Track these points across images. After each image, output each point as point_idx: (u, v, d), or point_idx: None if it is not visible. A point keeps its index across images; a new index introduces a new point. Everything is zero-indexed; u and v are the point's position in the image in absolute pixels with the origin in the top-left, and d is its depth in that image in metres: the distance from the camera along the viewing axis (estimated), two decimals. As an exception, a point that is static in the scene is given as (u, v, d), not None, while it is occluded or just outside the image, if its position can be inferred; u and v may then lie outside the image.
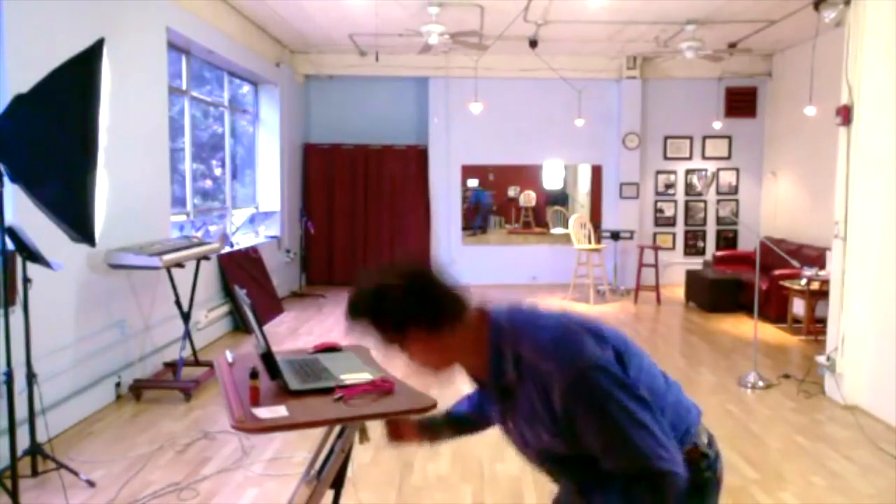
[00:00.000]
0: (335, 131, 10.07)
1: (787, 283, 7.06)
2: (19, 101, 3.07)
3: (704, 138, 10.05)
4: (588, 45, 8.96)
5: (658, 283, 8.99)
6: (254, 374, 1.98)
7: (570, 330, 1.39)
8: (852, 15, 4.84)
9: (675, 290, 9.43)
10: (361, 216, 10.07)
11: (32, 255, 3.31)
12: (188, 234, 6.42)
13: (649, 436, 1.33)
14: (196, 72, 7.14)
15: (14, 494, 3.09)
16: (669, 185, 10.15)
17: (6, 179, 3.02)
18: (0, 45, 3.69)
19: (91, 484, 3.50)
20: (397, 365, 1.85)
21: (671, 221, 10.21)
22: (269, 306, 7.76)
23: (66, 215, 3.15)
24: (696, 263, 9.69)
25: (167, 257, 4.72)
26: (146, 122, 5.36)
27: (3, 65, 3.70)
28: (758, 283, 5.69)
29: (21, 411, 3.34)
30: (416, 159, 10.04)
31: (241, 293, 2.29)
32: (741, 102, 9.96)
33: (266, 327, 7.06)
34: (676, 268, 9.91)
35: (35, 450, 3.57)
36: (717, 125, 9.80)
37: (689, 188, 10.14)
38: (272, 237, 8.79)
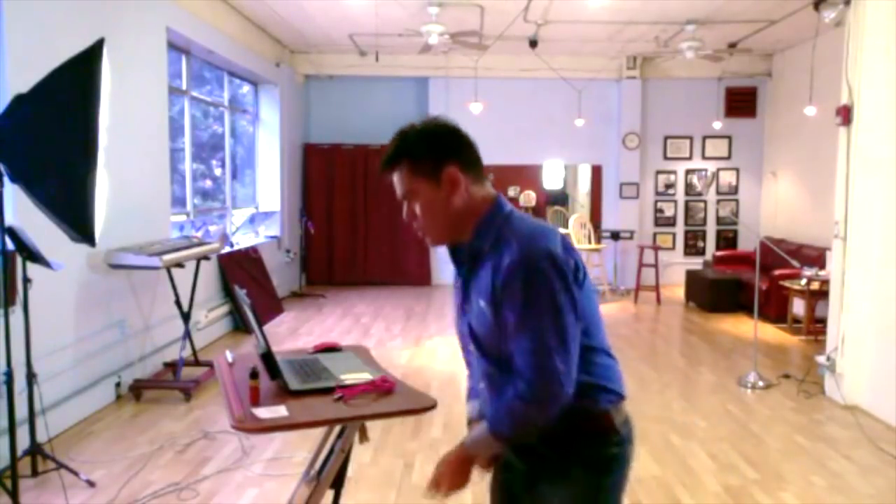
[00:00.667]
0: (335, 131, 10.07)
1: (787, 283, 7.06)
2: (19, 101, 3.07)
3: (704, 138, 10.05)
4: (588, 45, 8.96)
5: (658, 283, 8.99)
6: (254, 374, 1.98)
7: (549, 229, 1.50)
8: (852, 15, 4.84)
9: (675, 290, 9.43)
10: (361, 216, 10.08)
11: (32, 255, 3.31)
12: (188, 234, 6.42)
13: (560, 342, 1.40)
14: (196, 72, 7.14)
15: (14, 494, 3.09)
16: (669, 185, 10.15)
17: (6, 179, 3.02)
18: (0, 45, 3.70)
19: (91, 484, 3.50)
20: (397, 365, 1.85)
21: (671, 221, 10.22)
22: (269, 306, 7.76)
23: (66, 215, 3.15)
24: (696, 263, 9.69)
25: (167, 257, 4.72)
26: (146, 122, 5.36)
27: (3, 65, 3.71)
28: (758, 283, 5.69)
29: (21, 411, 3.34)
30: (416, 159, 10.02)
31: (241, 293, 2.29)
32: (741, 102, 9.97)
33: (266, 327, 7.06)
34: (676, 268, 9.91)
35: (35, 450, 3.56)
36: (717, 125, 9.80)
37: (689, 188, 10.14)
38: (272, 237, 8.80)
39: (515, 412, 1.45)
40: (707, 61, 8.08)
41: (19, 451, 3.26)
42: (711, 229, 10.26)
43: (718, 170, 10.02)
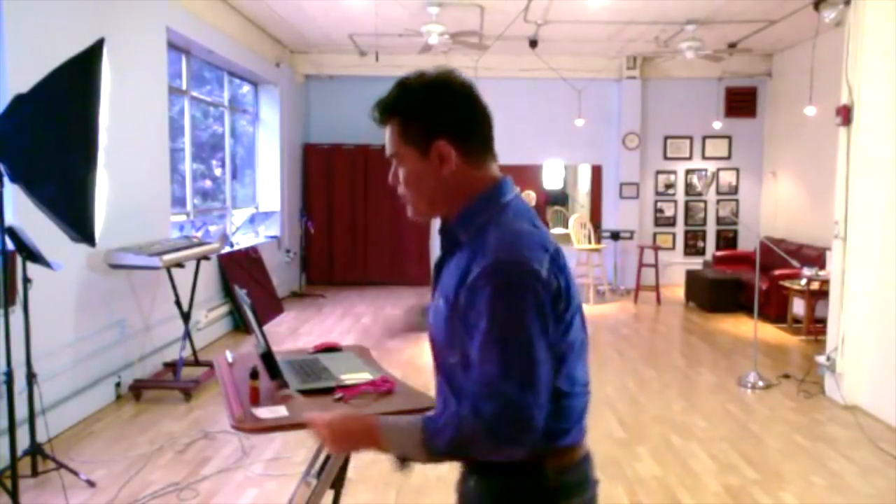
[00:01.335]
0: (335, 131, 10.07)
1: (787, 283, 7.06)
2: (19, 101, 3.07)
3: (704, 138, 10.05)
4: (588, 45, 8.96)
5: (658, 283, 8.99)
6: (254, 375, 1.98)
7: (540, 239, 1.26)
8: (852, 15, 4.84)
9: (675, 290, 9.43)
10: (361, 216, 10.07)
11: (32, 255, 3.31)
12: (188, 234, 6.42)
13: (527, 365, 1.17)
14: (196, 72, 7.14)
15: (14, 494, 3.09)
16: (669, 185, 10.15)
17: (6, 179, 3.02)
18: (0, 45, 3.70)
19: (91, 484, 3.50)
20: (397, 365, 1.84)
21: (671, 221, 10.21)
22: (269, 306, 7.76)
23: (66, 215, 3.15)
24: (696, 263, 9.68)
25: (167, 257, 4.72)
26: (146, 122, 5.36)
27: (3, 65, 3.71)
28: (758, 283, 5.69)
29: (21, 411, 3.34)
30: (416, 159, 10.02)
31: (241, 293, 2.29)
32: (741, 102, 9.96)
33: (266, 327, 7.05)
34: (676, 268, 9.91)
35: (35, 450, 3.56)
36: (717, 125, 9.80)
37: (689, 188, 10.14)
38: (272, 237, 8.79)
39: (464, 431, 1.20)
40: (707, 61, 8.08)
41: (19, 451, 3.26)
42: (711, 229, 10.26)
43: (718, 170, 10.02)
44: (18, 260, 3.36)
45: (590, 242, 9.18)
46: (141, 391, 4.89)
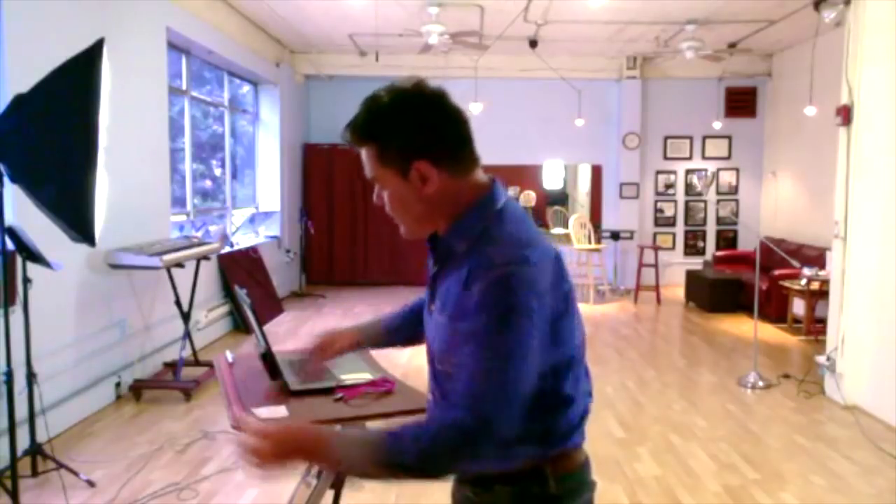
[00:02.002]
0: (335, 131, 9.74)
1: (787, 283, 7.06)
2: (19, 101, 3.07)
3: (704, 138, 10.05)
4: (588, 45, 8.96)
5: (658, 283, 8.99)
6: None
7: (541, 248, 1.22)
8: (852, 15, 4.84)
9: (675, 290, 9.42)
10: (361, 216, 10.07)
11: (32, 255, 3.31)
12: (188, 234, 6.42)
13: (507, 381, 1.14)
14: (196, 72, 7.14)
15: (14, 494, 3.09)
16: (669, 185, 10.15)
17: (6, 179, 3.02)
18: (0, 45, 3.70)
19: (91, 484, 3.50)
20: (397, 365, 1.84)
21: (671, 221, 10.21)
22: (269, 306, 7.75)
23: (66, 215, 3.15)
24: (696, 263, 9.68)
25: (167, 257, 4.72)
26: (146, 123, 5.36)
27: (3, 65, 3.71)
28: (758, 283, 5.69)
29: (21, 411, 3.34)
30: (416, 159, 10.02)
31: (241, 293, 2.29)
32: (741, 102, 9.96)
33: (266, 327, 7.05)
34: (676, 268, 9.91)
35: (35, 450, 3.56)
36: (717, 125, 9.80)
37: (689, 188, 10.13)
38: (272, 237, 8.79)
39: (439, 441, 1.15)
40: (707, 61, 8.08)
41: (19, 451, 3.25)
42: (711, 229, 10.25)
43: (718, 170, 10.02)
44: (18, 260, 3.36)
45: (590, 242, 9.18)
46: (141, 391, 4.89)
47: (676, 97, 9.94)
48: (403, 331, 1.74)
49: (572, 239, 9.02)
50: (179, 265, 4.94)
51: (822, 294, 6.22)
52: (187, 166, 6.76)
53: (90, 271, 4.52)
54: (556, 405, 1.26)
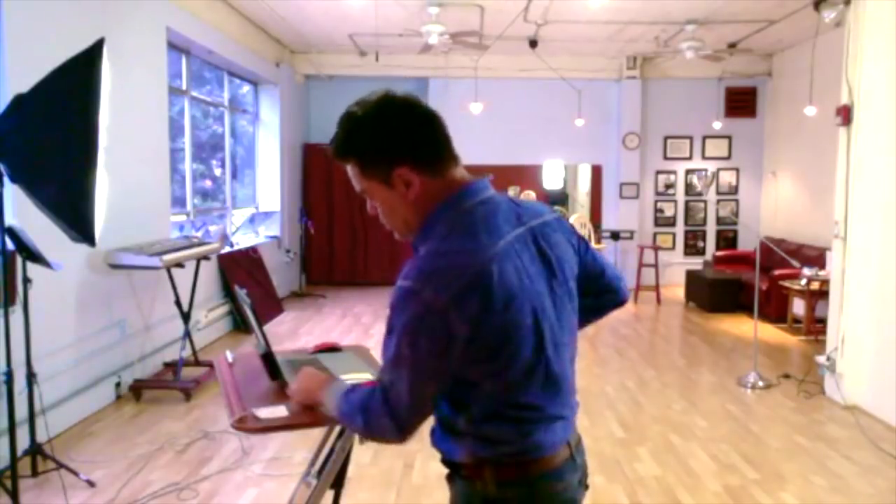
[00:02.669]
0: (335, 131, 10.05)
1: (787, 283, 7.06)
2: (19, 101, 3.07)
3: (704, 138, 10.05)
4: (588, 45, 8.96)
5: (658, 284, 9.00)
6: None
7: (473, 263, 1.21)
8: (852, 15, 4.84)
9: (675, 290, 9.43)
10: (361, 216, 10.07)
11: (32, 255, 3.31)
12: (188, 234, 6.42)
13: (400, 391, 1.26)
14: (196, 72, 7.14)
15: (14, 494, 3.08)
16: (669, 185, 10.15)
17: (6, 179, 3.02)
18: (0, 45, 3.70)
19: (91, 484, 3.50)
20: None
21: (671, 221, 10.22)
22: (269, 306, 7.75)
23: (66, 215, 3.15)
24: (696, 263, 9.68)
25: (167, 257, 4.72)
26: (146, 122, 5.36)
27: (3, 65, 3.71)
28: (758, 283, 5.69)
29: (21, 411, 3.34)
30: (416, 159, 10.02)
31: (241, 293, 2.28)
32: (741, 102, 9.97)
33: (266, 327, 7.05)
34: (676, 268, 9.91)
35: (35, 450, 3.57)
36: (717, 125, 9.80)
37: (689, 188, 10.14)
38: (272, 237, 8.79)
39: (371, 419, 1.32)
40: (707, 61, 8.08)
41: (19, 451, 3.25)
42: (711, 229, 10.26)
43: (718, 170, 10.02)
44: (18, 260, 3.36)
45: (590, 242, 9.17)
46: (141, 391, 4.89)
47: (676, 97, 9.94)
48: None
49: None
50: (179, 265, 4.94)
51: (822, 294, 6.22)
52: (187, 166, 6.76)
53: (90, 271, 4.52)
54: (501, 413, 1.29)
